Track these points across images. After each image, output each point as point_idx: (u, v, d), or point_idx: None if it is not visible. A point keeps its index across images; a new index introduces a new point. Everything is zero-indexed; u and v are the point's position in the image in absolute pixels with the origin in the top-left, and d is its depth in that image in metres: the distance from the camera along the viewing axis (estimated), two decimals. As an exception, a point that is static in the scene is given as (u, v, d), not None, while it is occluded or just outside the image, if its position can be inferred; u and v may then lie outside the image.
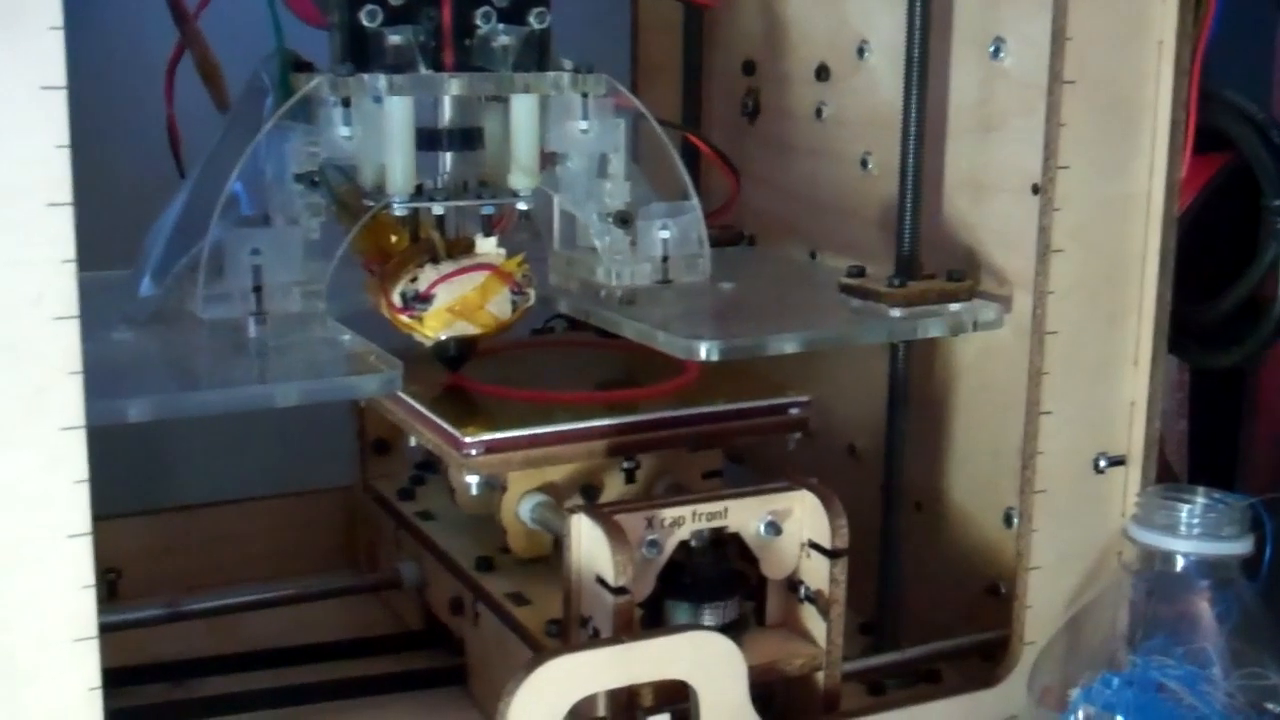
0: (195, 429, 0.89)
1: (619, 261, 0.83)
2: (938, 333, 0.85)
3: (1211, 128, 0.88)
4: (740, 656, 0.71)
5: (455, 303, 0.81)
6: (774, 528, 0.76)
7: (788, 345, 0.82)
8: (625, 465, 0.87)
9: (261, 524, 1.02)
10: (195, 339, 0.76)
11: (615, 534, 0.71)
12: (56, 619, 0.59)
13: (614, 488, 0.87)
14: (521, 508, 0.85)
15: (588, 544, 0.73)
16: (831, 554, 0.76)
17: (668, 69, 1.08)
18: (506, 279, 0.82)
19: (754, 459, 1.10)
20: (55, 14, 0.55)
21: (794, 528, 0.77)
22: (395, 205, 0.77)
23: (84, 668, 0.60)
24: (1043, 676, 0.78)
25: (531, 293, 0.83)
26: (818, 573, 0.77)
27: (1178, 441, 1.19)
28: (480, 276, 0.81)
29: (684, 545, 0.75)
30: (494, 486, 0.84)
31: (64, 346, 0.57)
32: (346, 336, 0.77)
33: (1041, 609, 0.81)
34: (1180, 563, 0.75)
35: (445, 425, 0.81)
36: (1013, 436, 0.82)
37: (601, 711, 0.71)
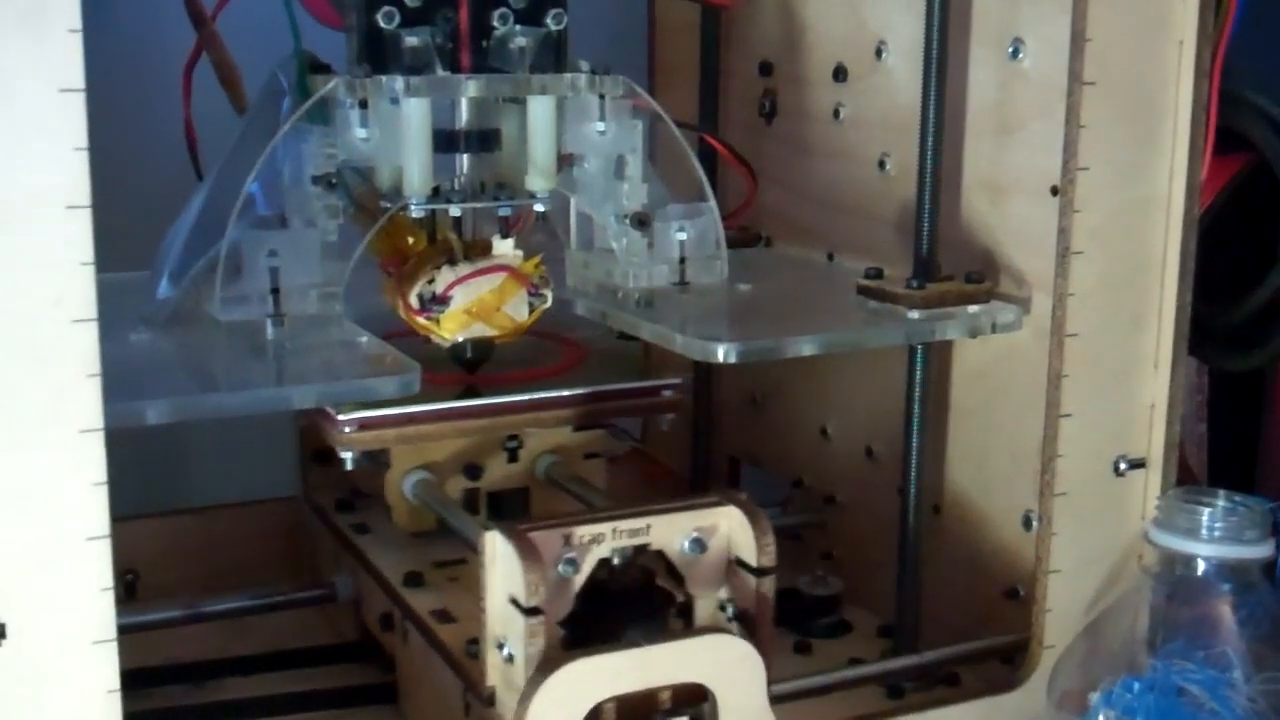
0: (213, 430, 0.89)
1: (636, 263, 0.83)
2: (956, 335, 0.85)
3: (1232, 129, 0.88)
4: (759, 659, 0.71)
5: (472, 304, 0.81)
6: (699, 545, 0.73)
7: (805, 347, 0.82)
8: (508, 445, 0.88)
9: (279, 524, 1.02)
10: (213, 341, 0.76)
11: (528, 552, 0.68)
12: (75, 621, 0.59)
13: (497, 467, 0.88)
14: (405, 485, 0.86)
15: (501, 562, 0.69)
16: (758, 572, 0.73)
17: (685, 70, 1.08)
18: (524, 280, 0.82)
19: (769, 463, 1.10)
20: (74, 17, 0.55)
21: (720, 545, 0.74)
22: (412, 207, 0.77)
23: (103, 670, 0.60)
24: (1062, 680, 0.78)
25: (549, 294, 0.83)
26: (745, 591, 0.73)
27: (1197, 444, 1.18)
28: (498, 278, 0.81)
29: (606, 563, 0.72)
30: (379, 464, 0.86)
31: (83, 349, 0.57)
32: (364, 338, 0.77)
33: (1061, 612, 0.81)
34: (1201, 566, 0.75)
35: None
36: (1032, 439, 0.81)
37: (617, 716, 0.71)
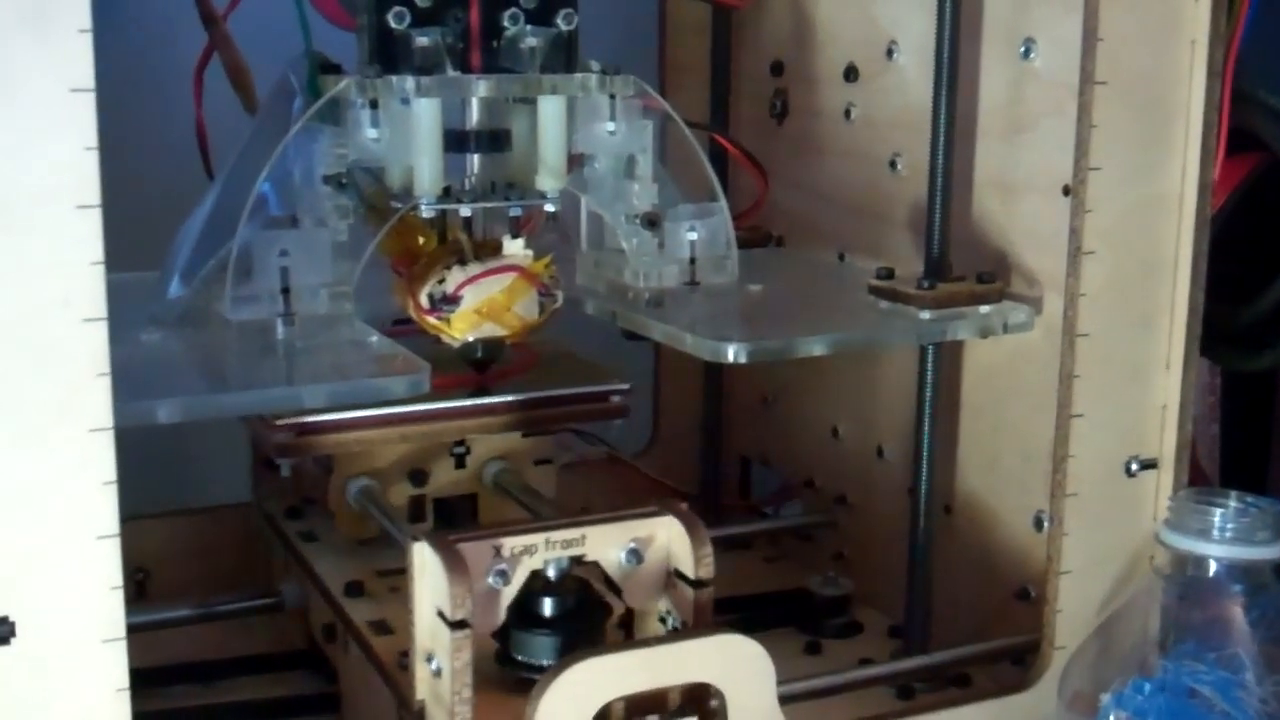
0: (224, 429, 0.89)
1: (646, 263, 0.83)
2: (967, 335, 0.85)
3: (1244, 129, 0.87)
4: (769, 660, 0.70)
5: (483, 304, 0.81)
6: (636, 556, 0.71)
7: (816, 347, 0.82)
8: (455, 450, 0.87)
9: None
10: (223, 340, 0.76)
11: (454, 564, 0.66)
12: (85, 620, 0.59)
13: (444, 473, 0.88)
14: (348, 491, 0.85)
15: (429, 574, 0.68)
16: (696, 584, 0.71)
17: (696, 70, 1.08)
18: (534, 280, 0.82)
19: (780, 463, 1.10)
20: (84, 17, 0.55)
21: (658, 555, 0.72)
22: (423, 207, 0.77)
23: (112, 669, 0.60)
24: (1073, 681, 0.78)
25: (559, 294, 0.83)
26: (684, 603, 0.72)
27: (1210, 446, 1.18)
28: (508, 278, 0.81)
29: (539, 574, 0.71)
30: (321, 470, 0.85)
31: (92, 348, 0.57)
32: (374, 338, 0.77)
33: (1072, 613, 0.81)
34: (1213, 567, 0.75)
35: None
36: (1043, 439, 0.81)
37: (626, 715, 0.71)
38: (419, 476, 0.87)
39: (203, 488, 1.05)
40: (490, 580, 0.69)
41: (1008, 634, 0.86)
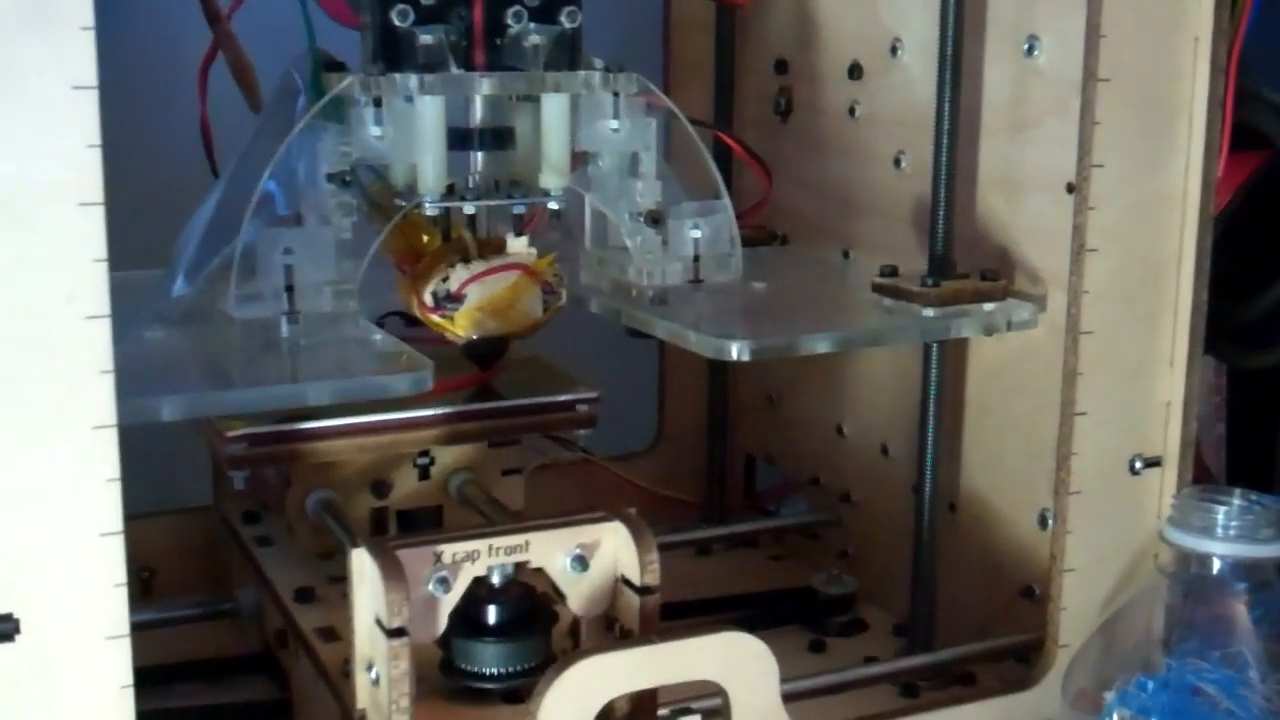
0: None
1: (650, 261, 0.83)
2: (971, 333, 0.85)
3: (1249, 126, 0.87)
4: (772, 658, 0.70)
5: (486, 302, 0.81)
6: (581, 562, 0.70)
7: (820, 345, 0.82)
8: (419, 461, 0.85)
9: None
10: (228, 338, 0.77)
11: (391, 571, 0.65)
12: (88, 617, 0.59)
13: (406, 484, 0.85)
14: (307, 503, 0.83)
15: (368, 582, 0.67)
16: (641, 590, 0.70)
17: (700, 68, 1.08)
18: (538, 278, 0.82)
19: (785, 462, 1.10)
20: (86, 14, 0.55)
21: (604, 562, 0.71)
22: (427, 205, 0.77)
23: (116, 666, 0.60)
24: (1077, 679, 0.77)
25: (563, 292, 0.83)
26: (630, 611, 0.71)
27: (1215, 445, 1.18)
28: (511, 276, 0.81)
29: (483, 581, 0.70)
30: (278, 481, 0.83)
31: (95, 345, 0.57)
32: (378, 336, 0.77)
33: (1076, 611, 0.80)
34: (1217, 565, 0.74)
35: (214, 421, 0.78)
36: (1047, 437, 0.81)
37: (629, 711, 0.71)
38: (381, 488, 0.85)
39: (208, 486, 1.05)
40: (430, 588, 0.67)
41: (1012, 632, 0.86)
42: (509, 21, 0.78)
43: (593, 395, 0.87)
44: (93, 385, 0.58)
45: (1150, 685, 0.72)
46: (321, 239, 0.77)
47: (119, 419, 0.59)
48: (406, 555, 0.66)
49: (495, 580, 0.71)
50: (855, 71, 0.97)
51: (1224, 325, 0.89)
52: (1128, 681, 0.73)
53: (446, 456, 0.86)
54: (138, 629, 0.81)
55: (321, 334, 0.76)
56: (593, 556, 0.71)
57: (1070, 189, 0.79)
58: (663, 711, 0.71)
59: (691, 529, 1.09)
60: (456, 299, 0.80)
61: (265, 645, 0.89)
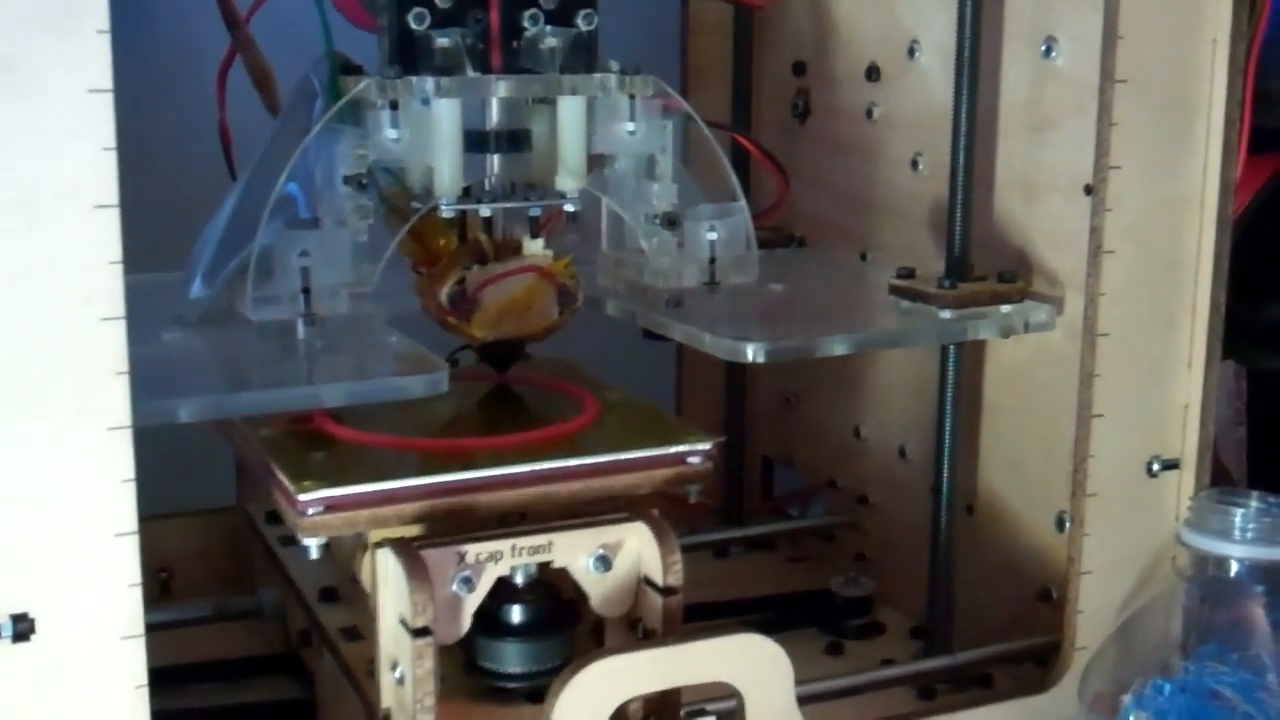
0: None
1: (666, 263, 0.83)
2: (988, 335, 0.84)
3: (1268, 128, 0.87)
4: (787, 659, 0.70)
5: (503, 304, 0.81)
6: (604, 562, 0.70)
7: (837, 347, 0.82)
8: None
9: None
10: (245, 340, 0.77)
11: (416, 570, 0.65)
12: (104, 617, 0.60)
13: None
14: None
15: (392, 581, 0.66)
16: (664, 591, 0.70)
17: (718, 70, 1.08)
18: (554, 281, 0.82)
19: (802, 464, 1.09)
20: (102, 18, 0.55)
21: (627, 562, 0.71)
22: (443, 207, 0.77)
23: (131, 665, 0.61)
24: (1094, 682, 0.77)
25: (579, 294, 0.83)
26: (653, 611, 0.71)
27: (1236, 450, 1.17)
28: (528, 278, 0.81)
29: (506, 581, 0.70)
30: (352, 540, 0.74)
31: (111, 347, 0.58)
32: (394, 338, 0.77)
33: (1093, 614, 0.80)
34: (1234, 568, 0.74)
35: (282, 477, 0.71)
36: (1065, 439, 0.81)
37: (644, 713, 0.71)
38: None
39: (227, 487, 1.06)
40: (454, 588, 0.67)
41: (1029, 634, 0.85)
42: (525, 24, 0.78)
43: (705, 446, 0.77)
44: (108, 387, 0.58)
45: (1167, 688, 0.72)
46: (338, 241, 0.77)
47: (137, 420, 0.59)
48: (430, 555, 0.66)
49: (519, 580, 0.71)
50: (873, 73, 0.97)
51: (1243, 328, 0.89)
52: (1145, 684, 0.72)
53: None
54: (162, 628, 0.81)
55: (338, 336, 0.76)
56: (616, 557, 0.71)
57: (1088, 191, 0.78)
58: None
59: (709, 531, 1.09)
60: (473, 301, 0.80)
61: (288, 645, 0.89)
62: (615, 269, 0.88)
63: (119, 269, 0.57)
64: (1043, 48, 0.83)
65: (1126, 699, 0.73)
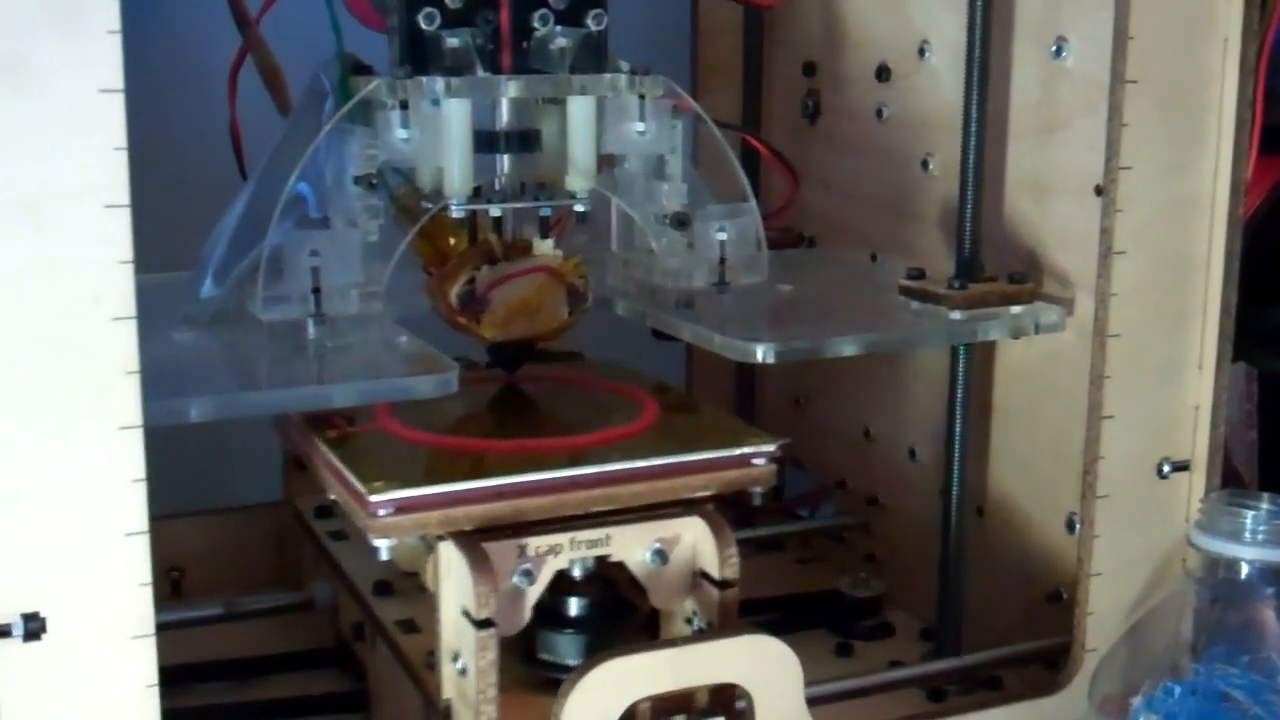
0: (259, 428, 0.90)
1: (676, 263, 0.83)
2: (998, 335, 0.84)
3: (1278, 127, 0.87)
4: (796, 660, 0.70)
5: (513, 304, 0.81)
6: (661, 556, 0.71)
7: (846, 347, 0.82)
8: None
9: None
10: (255, 340, 0.77)
11: (480, 563, 0.66)
12: (114, 616, 0.60)
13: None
14: None
15: (454, 574, 0.68)
16: (721, 584, 0.71)
17: (728, 71, 1.08)
18: (564, 281, 0.82)
19: (812, 464, 1.09)
20: (113, 18, 0.56)
21: (683, 556, 0.72)
22: (453, 207, 0.77)
23: (142, 664, 0.61)
24: (1104, 684, 0.77)
25: (589, 295, 0.83)
26: (710, 604, 0.72)
27: (1248, 452, 1.17)
28: (537, 278, 0.81)
29: (565, 575, 0.70)
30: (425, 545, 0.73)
31: (122, 346, 0.58)
32: (404, 338, 0.77)
33: (1103, 616, 0.80)
34: (1245, 570, 0.74)
35: (352, 478, 0.71)
36: (1075, 441, 0.81)
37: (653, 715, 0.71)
38: None
39: (237, 487, 1.06)
40: (515, 580, 0.69)
41: (1039, 636, 0.85)
42: (535, 24, 0.78)
43: (770, 448, 0.76)
44: (119, 386, 0.58)
45: (1177, 691, 0.72)
46: (348, 241, 0.77)
47: (148, 420, 0.59)
48: (492, 548, 0.68)
49: (576, 573, 0.71)
50: (883, 74, 0.97)
51: (1254, 329, 0.88)
52: (1155, 687, 0.72)
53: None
54: (204, 623, 0.87)
55: (348, 336, 0.77)
56: (672, 550, 0.72)
57: (1098, 191, 0.78)
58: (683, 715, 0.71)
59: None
60: (482, 301, 0.80)
61: (338, 638, 0.90)
62: (625, 269, 0.88)
63: (130, 268, 0.57)
64: (1053, 48, 0.83)
65: (1136, 701, 0.73)
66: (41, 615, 0.59)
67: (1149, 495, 0.81)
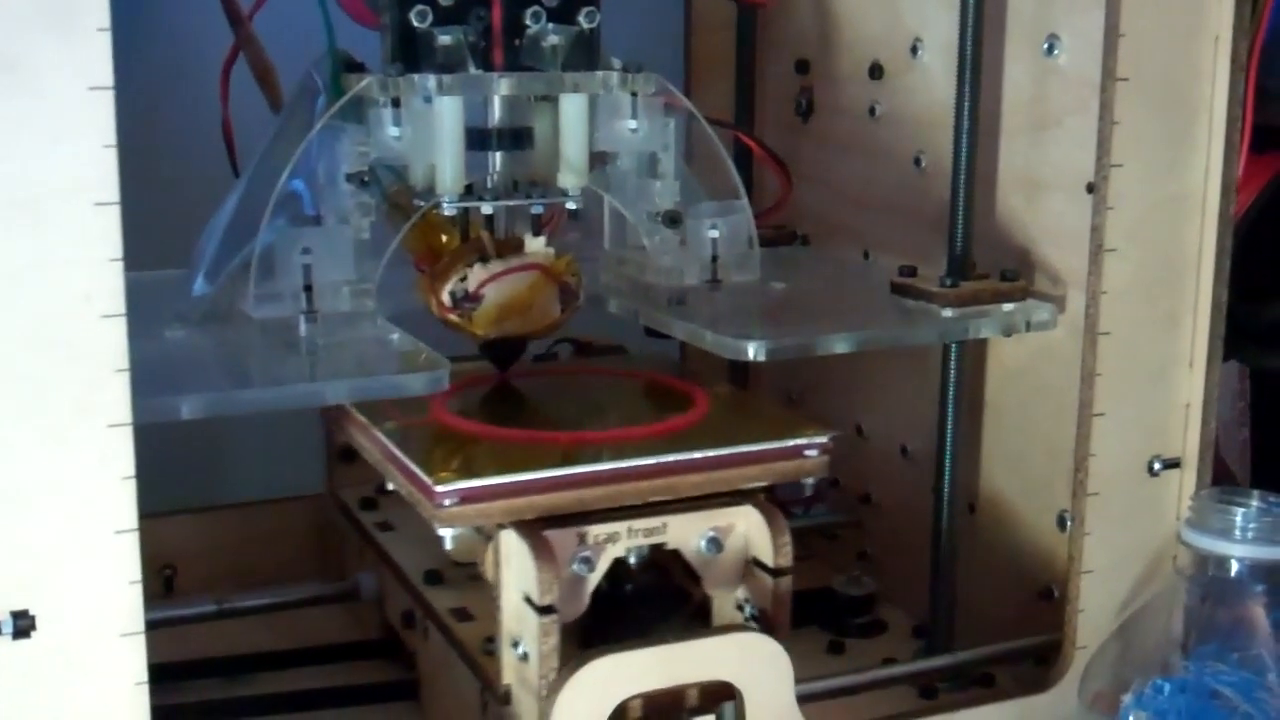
0: (252, 426, 0.90)
1: (669, 261, 0.83)
2: (990, 333, 0.84)
3: (1270, 126, 0.87)
4: (787, 658, 0.70)
5: (505, 302, 0.81)
6: (715, 544, 0.73)
7: (838, 345, 0.82)
8: None
9: (314, 521, 1.03)
10: (247, 337, 0.77)
11: (542, 551, 0.68)
12: (104, 614, 0.60)
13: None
14: None
15: (515, 561, 0.69)
16: (775, 572, 0.72)
17: (721, 68, 1.08)
18: (555, 278, 0.82)
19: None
20: (103, 15, 0.55)
21: (737, 544, 0.73)
22: (445, 205, 0.77)
23: (131, 662, 0.61)
24: (1095, 681, 0.77)
25: (581, 292, 0.83)
26: (762, 592, 0.73)
27: (1240, 450, 1.17)
28: (529, 276, 0.81)
29: (622, 562, 0.72)
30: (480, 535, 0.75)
31: (112, 344, 0.58)
32: (395, 335, 0.77)
33: (1094, 613, 0.80)
34: (1235, 567, 0.74)
35: (416, 470, 0.73)
36: (1066, 438, 0.81)
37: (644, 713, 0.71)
38: None
39: (230, 484, 1.06)
40: (575, 567, 0.70)
41: (1031, 634, 0.85)
42: (527, 22, 0.78)
43: (823, 439, 0.77)
44: (109, 384, 0.58)
45: (1168, 688, 0.72)
46: (340, 239, 0.77)
47: (139, 417, 0.59)
48: (553, 536, 0.69)
49: (632, 561, 0.73)
50: (876, 71, 0.97)
51: (1245, 327, 0.88)
52: (1145, 684, 0.72)
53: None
54: (240, 615, 0.89)
55: (340, 333, 0.77)
56: (726, 539, 0.73)
57: (1090, 189, 0.78)
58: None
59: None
60: (474, 299, 0.80)
61: (384, 628, 0.91)
62: (617, 267, 0.88)
63: (120, 266, 0.57)
64: (1045, 46, 0.83)
65: (1127, 698, 0.73)
66: (31, 613, 0.59)
67: (1140, 493, 0.81)
